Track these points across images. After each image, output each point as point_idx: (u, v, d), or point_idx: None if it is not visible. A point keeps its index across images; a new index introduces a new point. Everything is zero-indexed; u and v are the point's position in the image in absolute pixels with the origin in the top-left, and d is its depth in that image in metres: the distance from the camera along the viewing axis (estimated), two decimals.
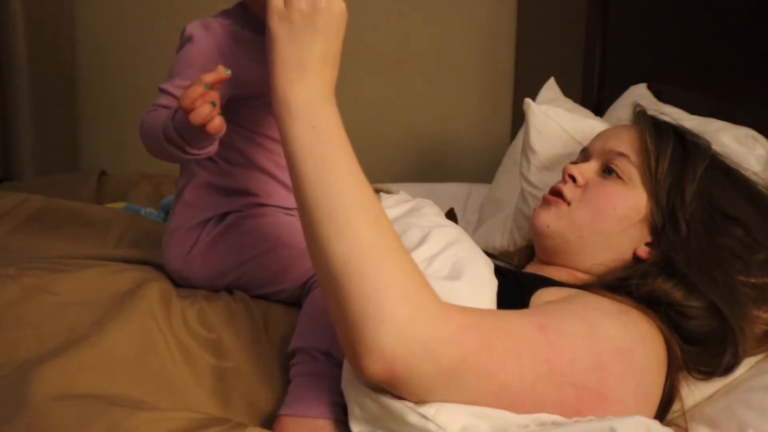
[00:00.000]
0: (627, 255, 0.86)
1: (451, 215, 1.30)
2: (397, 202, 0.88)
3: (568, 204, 0.89)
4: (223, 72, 0.66)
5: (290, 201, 0.84)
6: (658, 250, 0.84)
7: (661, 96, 1.46)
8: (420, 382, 0.61)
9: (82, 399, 0.67)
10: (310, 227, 0.64)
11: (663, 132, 0.89)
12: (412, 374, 0.60)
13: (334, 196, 0.63)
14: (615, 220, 0.86)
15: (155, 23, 2.14)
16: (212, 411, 0.74)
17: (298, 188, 0.65)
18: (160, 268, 0.91)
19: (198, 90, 0.66)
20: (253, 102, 0.80)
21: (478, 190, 1.83)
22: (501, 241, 1.29)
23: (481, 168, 2.18)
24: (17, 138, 1.90)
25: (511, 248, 1.23)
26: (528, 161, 1.24)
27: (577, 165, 0.93)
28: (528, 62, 2.25)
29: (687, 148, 0.87)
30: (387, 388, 0.63)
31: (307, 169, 0.64)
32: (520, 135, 1.46)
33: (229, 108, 0.76)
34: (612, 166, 0.88)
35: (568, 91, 1.63)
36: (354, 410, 0.67)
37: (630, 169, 0.87)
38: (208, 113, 0.66)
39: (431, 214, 0.86)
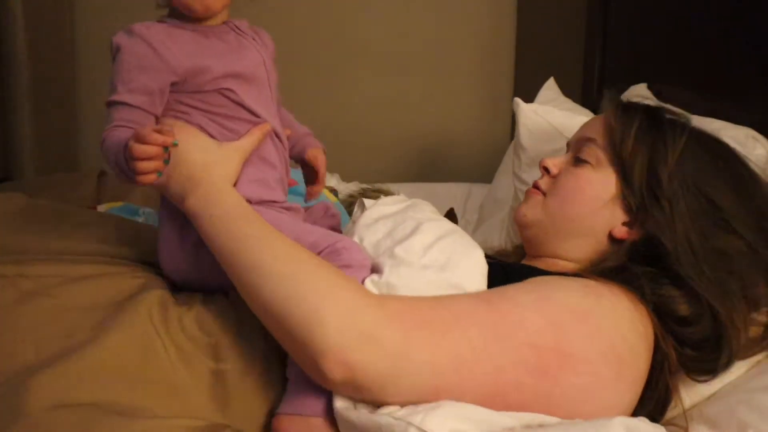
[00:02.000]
0: (603, 237, 0.86)
1: (451, 215, 1.30)
2: (395, 202, 0.89)
3: (544, 194, 0.92)
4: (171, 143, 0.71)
5: (276, 194, 0.86)
6: (636, 228, 0.83)
7: (661, 96, 1.46)
8: (376, 373, 0.65)
9: (79, 408, 0.66)
10: (239, 283, 0.73)
11: (630, 111, 0.89)
12: (365, 366, 0.64)
13: (246, 252, 0.72)
14: (584, 202, 0.87)
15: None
16: (212, 415, 0.74)
17: (222, 262, 0.75)
18: (156, 268, 0.90)
19: (154, 150, 0.70)
20: (199, 86, 0.80)
21: (478, 190, 1.84)
22: (499, 240, 1.30)
23: (481, 168, 2.18)
24: (17, 138, 1.90)
25: (509, 247, 1.24)
26: (519, 159, 1.26)
27: (551, 157, 0.95)
28: (528, 62, 2.25)
29: (659, 125, 0.86)
30: (353, 392, 0.67)
31: (220, 244, 0.74)
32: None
33: (186, 95, 0.80)
34: (580, 153, 0.89)
35: (568, 91, 1.63)
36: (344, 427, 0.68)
37: (597, 152, 0.87)
38: (153, 177, 0.72)
39: (426, 211, 0.87)
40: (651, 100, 1.42)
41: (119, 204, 1.40)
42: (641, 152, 0.83)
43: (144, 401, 0.70)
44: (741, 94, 1.31)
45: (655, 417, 0.78)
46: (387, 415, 0.64)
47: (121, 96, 0.77)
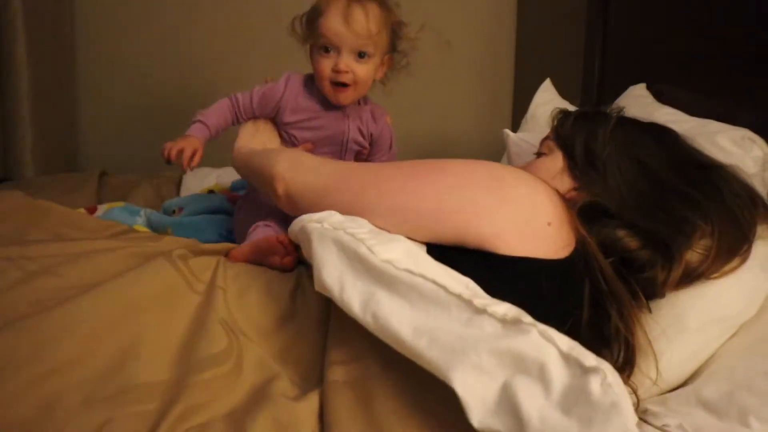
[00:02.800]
0: None
1: None
2: None
3: None
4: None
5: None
6: (583, 192, 0.95)
7: (660, 96, 1.46)
8: (303, 186, 0.95)
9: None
10: (248, 173, 1.14)
11: (569, 112, 1.06)
12: (296, 181, 0.96)
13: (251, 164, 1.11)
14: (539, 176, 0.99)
15: (155, 23, 2.14)
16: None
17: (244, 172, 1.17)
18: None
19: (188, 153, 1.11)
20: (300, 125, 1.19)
21: None
22: None
23: None
24: (17, 138, 1.90)
25: None
26: None
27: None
28: (528, 62, 2.24)
29: (592, 114, 1.04)
30: (296, 205, 0.95)
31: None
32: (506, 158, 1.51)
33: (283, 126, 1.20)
34: (538, 151, 1.05)
35: (567, 91, 1.63)
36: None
37: (548, 143, 1.03)
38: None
39: None
40: (650, 101, 1.43)
41: (121, 204, 1.41)
42: (578, 133, 0.99)
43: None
44: (740, 94, 1.31)
45: (624, 368, 0.81)
46: (351, 235, 0.79)
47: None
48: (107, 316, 0.76)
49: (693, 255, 0.88)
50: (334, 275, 0.76)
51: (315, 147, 1.18)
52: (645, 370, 0.82)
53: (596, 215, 0.89)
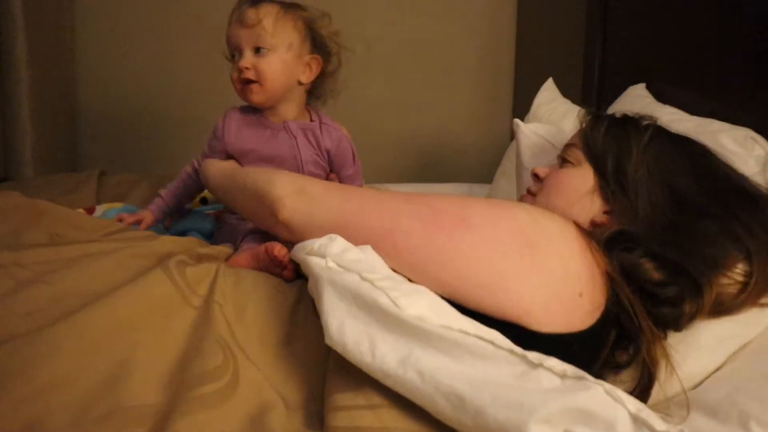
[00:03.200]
0: (586, 225, 0.93)
1: None
2: None
3: (534, 195, 1.02)
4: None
5: None
6: (615, 215, 0.91)
7: (661, 96, 1.46)
8: (302, 213, 0.89)
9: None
10: (232, 198, 1.07)
11: (600, 117, 1.01)
12: (295, 208, 0.89)
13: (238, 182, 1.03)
14: (565, 195, 0.96)
15: (155, 23, 2.14)
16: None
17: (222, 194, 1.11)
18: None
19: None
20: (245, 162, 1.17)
21: (478, 191, 1.84)
22: None
23: (480, 168, 2.18)
24: (17, 138, 1.90)
25: None
26: (521, 178, 1.26)
27: (540, 166, 1.06)
28: (528, 62, 2.24)
29: (625, 125, 0.97)
30: (288, 234, 0.90)
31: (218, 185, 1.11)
32: (514, 149, 1.47)
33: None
34: (563, 156, 1.00)
35: (568, 91, 1.63)
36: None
37: (576, 153, 0.98)
38: None
39: None
40: (649, 101, 1.43)
41: (119, 205, 1.40)
42: (610, 149, 0.94)
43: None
44: (741, 94, 1.31)
45: (638, 396, 0.80)
46: (369, 282, 0.74)
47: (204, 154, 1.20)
48: (99, 334, 0.73)
49: (725, 288, 0.84)
50: (358, 329, 0.71)
51: None
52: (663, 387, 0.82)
53: (621, 241, 0.85)
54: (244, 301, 0.85)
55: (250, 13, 1.07)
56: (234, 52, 1.10)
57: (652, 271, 0.82)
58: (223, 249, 1.02)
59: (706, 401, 0.78)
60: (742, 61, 1.32)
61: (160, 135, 2.18)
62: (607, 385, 0.66)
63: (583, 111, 1.03)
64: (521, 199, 1.06)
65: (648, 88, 1.54)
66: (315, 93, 1.17)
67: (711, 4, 1.44)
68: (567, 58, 2.01)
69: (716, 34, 1.41)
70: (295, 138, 1.13)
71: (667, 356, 0.81)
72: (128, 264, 0.86)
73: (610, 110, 1.54)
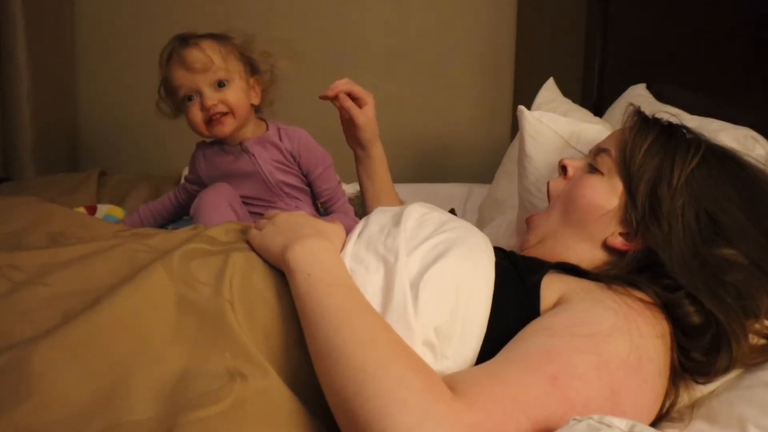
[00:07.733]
0: (597, 244, 0.87)
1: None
2: (423, 206, 0.90)
3: (545, 211, 0.96)
4: None
5: None
6: (636, 241, 0.83)
7: (661, 96, 1.46)
8: None
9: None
10: (315, 358, 0.69)
11: (647, 125, 0.88)
12: None
13: (331, 331, 0.68)
14: (584, 208, 0.88)
15: (155, 23, 2.14)
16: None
17: (304, 325, 0.72)
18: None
19: None
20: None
21: (478, 191, 1.83)
22: (507, 246, 1.28)
23: (481, 168, 2.18)
24: (17, 138, 1.90)
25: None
26: (525, 168, 1.23)
27: (572, 159, 0.97)
28: (528, 62, 2.25)
29: (671, 144, 0.85)
30: None
31: (309, 306, 0.71)
32: (518, 139, 1.45)
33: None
34: (595, 162, 0.90)
35: (568, 91, 1.63)
36: None
37: (608, 162, 0.88)
38: None
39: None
40: (650, 101, 1.43)
41: (120, 214, 1.38)
42: (649, 169, 0.83)
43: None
44: (741, 94, 1.31)
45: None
46: None
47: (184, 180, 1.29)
48: (96, 344, 0.70)
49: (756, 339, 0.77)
50: None
51: (251, 201, 1.19)
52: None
53: (660, 276, 0.78)
54: (252, 300, 0.77)
55: (196, 55, 1.09)
56: (188, 95, 1.11)
57: (693, 315, 0.74)
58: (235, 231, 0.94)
59: (706, 408, 0.78)
60: (742, 61, 1.32)
61: (160, 135, 2.18)
62: None
63: (631, 108, 0.91)
64: (529, 219, 0.98)
65: (648, 88, 1.54)
66: (257, 108, 1.22)
67: (711, 4, 1.44)
68: (567, 58, 2.01)
69: (716, 34, 1.41)
70: (253, 155, 1.16)
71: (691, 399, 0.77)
72: (127, 261, 0.83)
73: (611, 110, 1.55)
